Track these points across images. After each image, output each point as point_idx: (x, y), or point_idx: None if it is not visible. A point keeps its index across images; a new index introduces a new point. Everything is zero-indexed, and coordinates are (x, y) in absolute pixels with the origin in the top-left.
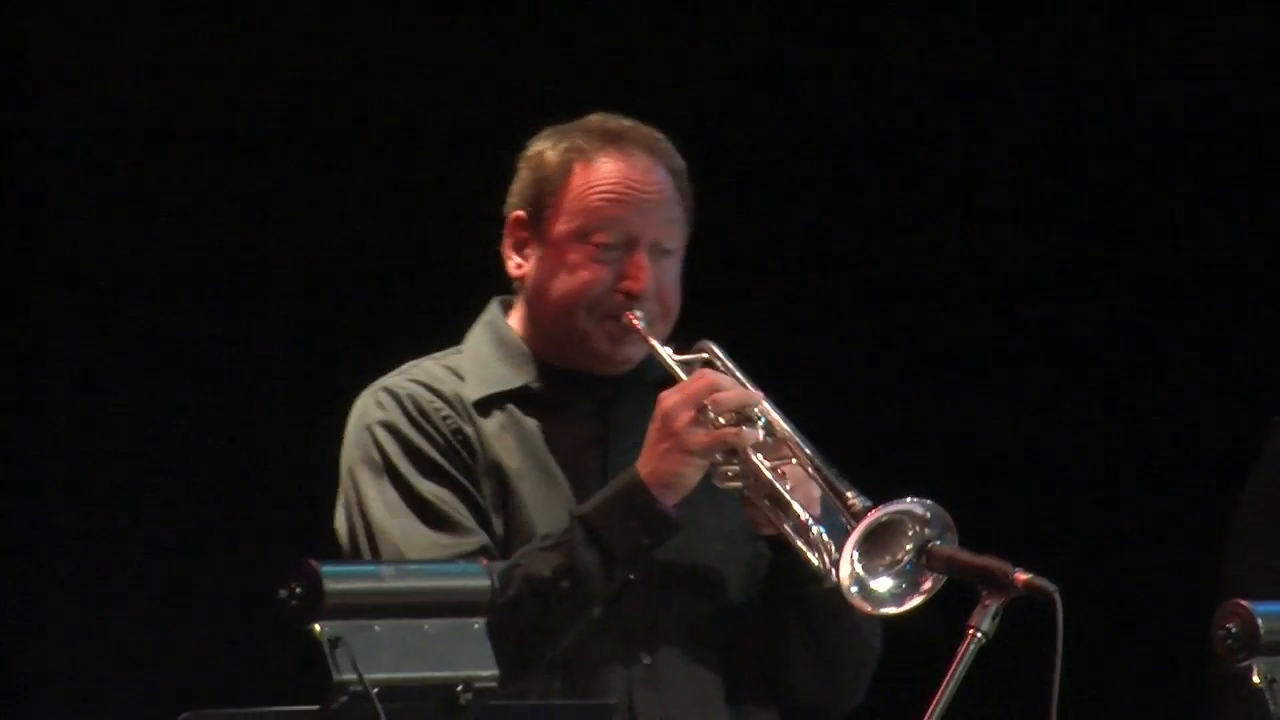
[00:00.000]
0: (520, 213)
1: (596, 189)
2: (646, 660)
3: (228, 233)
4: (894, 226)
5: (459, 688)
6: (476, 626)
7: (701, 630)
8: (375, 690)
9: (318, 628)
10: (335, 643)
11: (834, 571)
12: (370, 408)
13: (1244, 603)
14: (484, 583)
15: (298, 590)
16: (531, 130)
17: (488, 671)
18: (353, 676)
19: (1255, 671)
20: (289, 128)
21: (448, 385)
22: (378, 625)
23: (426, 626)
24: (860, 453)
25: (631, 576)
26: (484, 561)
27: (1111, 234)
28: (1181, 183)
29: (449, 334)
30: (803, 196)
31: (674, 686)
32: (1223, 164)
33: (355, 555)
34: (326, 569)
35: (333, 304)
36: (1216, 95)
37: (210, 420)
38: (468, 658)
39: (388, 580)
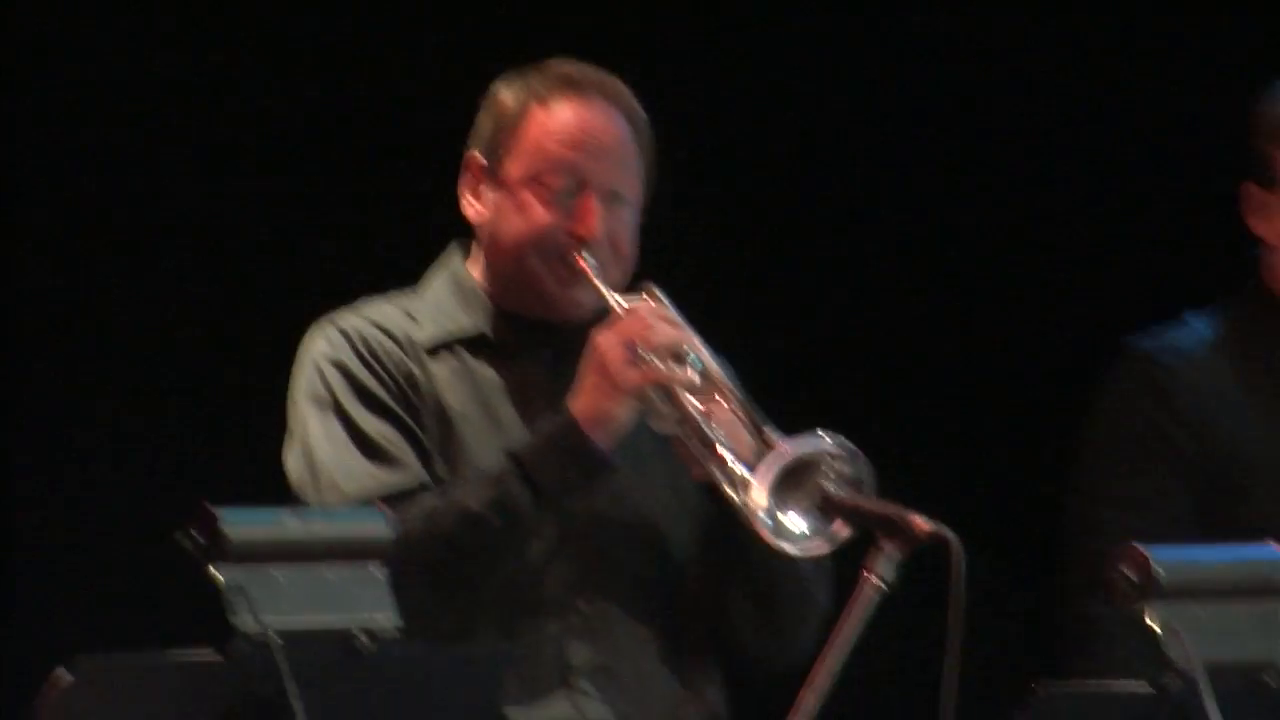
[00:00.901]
0: (477, 154)
1: (552, 133)
2: (583, 608)
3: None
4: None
5: (359, 633)
6: (377, 572)
7: (642, 580)
8: (275, 636)
9: (216, 573)
10: (234, 588)
11: (750, 510)
12: (320, 344)
13: (1140, 547)
14: (384, 528)
15: (195, 534)
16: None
17: (388, 617)
18: (252, 622)
19: (1150, 616)
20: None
21: (399, 326)
22: (277, 570)
23: (327, 572)
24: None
25: (575, 524)
26: (383, 507)
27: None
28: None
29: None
30: None
31: (610, 636)
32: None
33: (300, 489)
34: (225, 514)
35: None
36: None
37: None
38: (368, 603)
39: (287, 525)
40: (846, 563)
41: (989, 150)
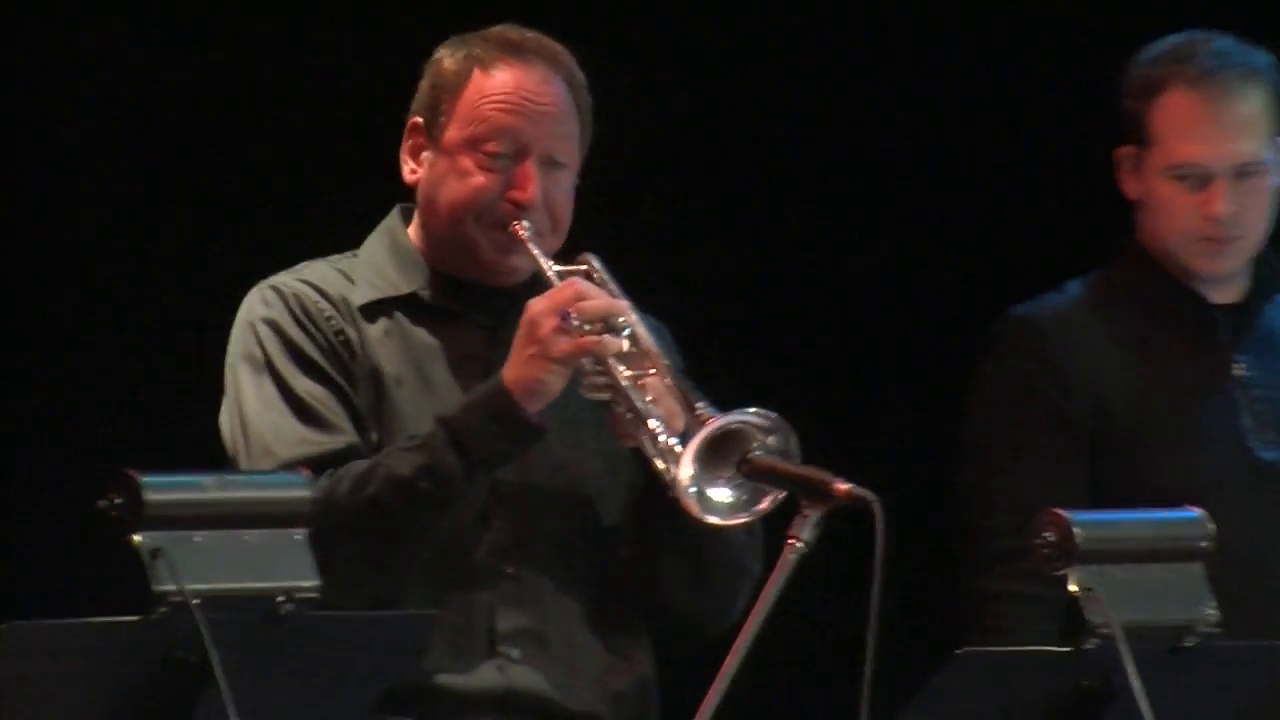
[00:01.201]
0: (418, 119)
1: (491, 98)
2: (512, 573)
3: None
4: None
5: (280, 598)
6: (298, 537)
7: (573, 547)
8: (196, 601)
9: (138, 538)
10: (155, 553)
11: (676, 481)
12: (256, 304)
13: (1061, 512)
14: (305, 493)
15: (117, 500)
16: None
17: (309, 582)
18: (173, 587)
19: (1072, 580)
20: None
21: (335, 287)
22: (198, 536)
23: (247, 537)
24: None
25: (506, 490)
26: (305, 471)
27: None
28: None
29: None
30: None
31: (538, 602)
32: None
33: (233, 450)
34: (146, 479)
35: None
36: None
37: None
38: (289, 568)
39: (208, 491)
40: (776, 534)
41: (889, 125)
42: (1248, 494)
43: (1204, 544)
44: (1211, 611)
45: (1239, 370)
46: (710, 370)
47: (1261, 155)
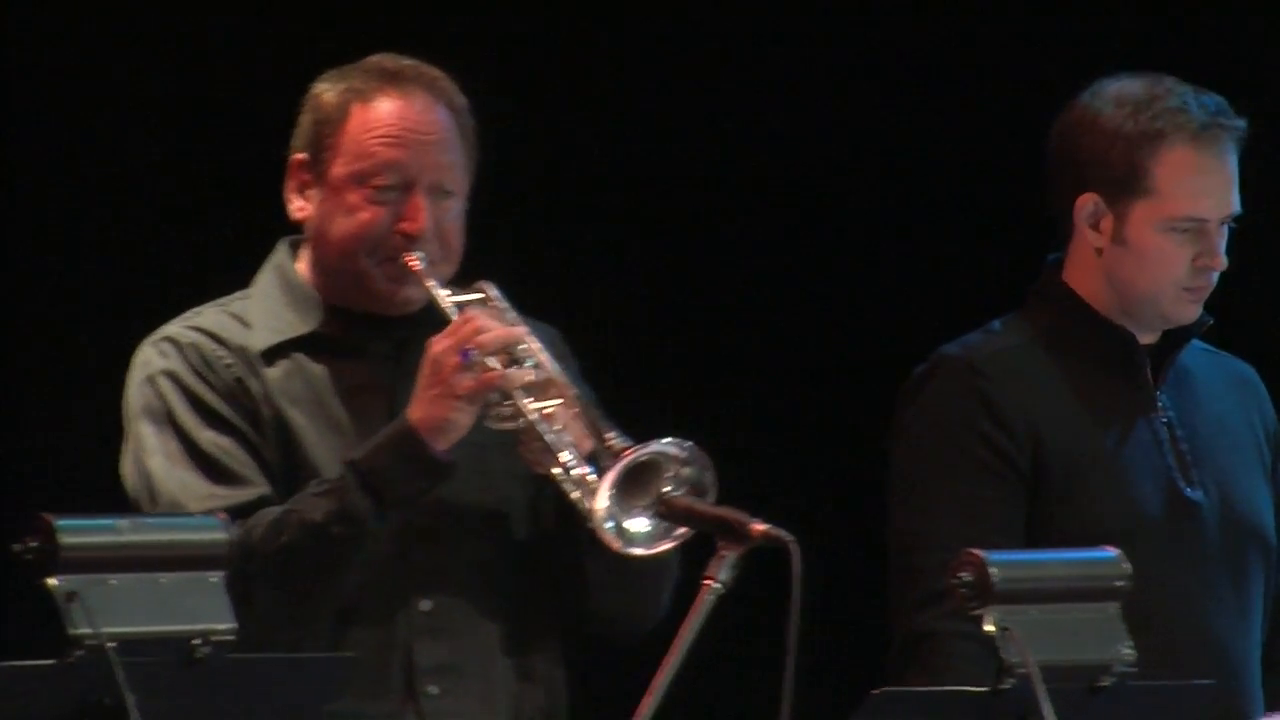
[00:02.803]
0: (302, 155)
1: (374, 131)
2: (426, 607)
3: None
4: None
5: (196, 641)
6: (214, 579)
7: (487, 575)
8: (111, 644)
9: (53, 581)
10: (70, 596)
11: (591, 513)
12: (152, 356)
13: (977, 552)
14: (221, 536)
15: (32, 544)
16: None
17: (225, 624)
18: (88, 630)
19: (988, 620)
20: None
21: (231, 333)
22: (114, 579)
23: (163, 580)
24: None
25: (418, 522)
26: (221, 515)
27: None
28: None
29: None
30: None
31: (455, 633)
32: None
33: (139, 504)
34: (61, 523)
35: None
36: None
37: None
38: (205, 610)
39: (124, 534)
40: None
41: (811, 155)
42: (1176, 533)
43: (1120, 584)
44: (1128, 651)
45: (1160, 410)
46: (631, 401)
47: (1239, 207)
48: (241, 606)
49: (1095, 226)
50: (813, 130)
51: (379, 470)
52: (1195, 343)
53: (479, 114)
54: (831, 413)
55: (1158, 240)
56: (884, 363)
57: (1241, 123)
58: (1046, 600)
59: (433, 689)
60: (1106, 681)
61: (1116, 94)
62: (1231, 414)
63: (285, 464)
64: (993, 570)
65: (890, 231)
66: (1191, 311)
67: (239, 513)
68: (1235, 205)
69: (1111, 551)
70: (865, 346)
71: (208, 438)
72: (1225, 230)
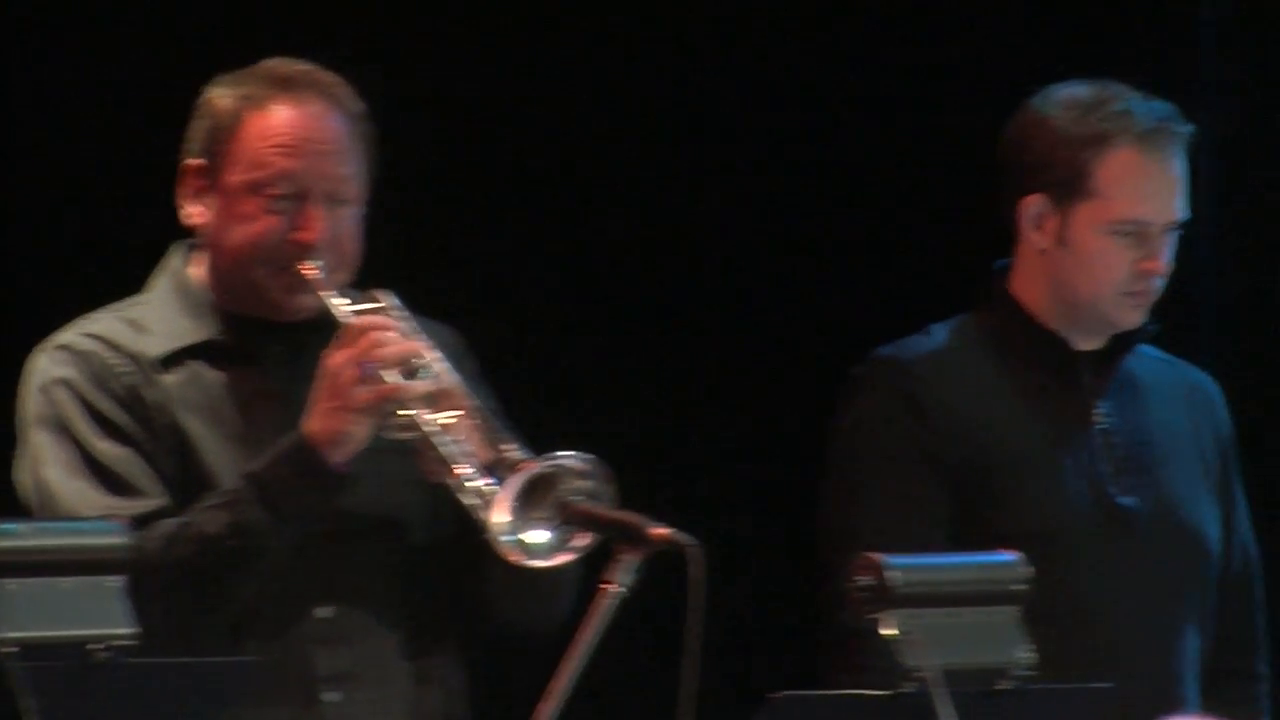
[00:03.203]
0: (196, 161)
1: (268, 139)
2: (325, 614)
3: None
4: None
5: (95, 645)
6: (113, 584)
7: (386, 581)
8: (11, 649)
9: None
10: None
11: (491, 526)
12: (48, 365)
13: (876, 555)
14: (121, 540)
15: None
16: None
17: (125, 629)
18: None
19: (886, 624)
20: None
21: (128, 340)
22: (13, 583)
23: (63, 584)
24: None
25: (317, 530)
26: (122, 519)
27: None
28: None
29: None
30: None
31: (354, 640)
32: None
33: (36, 513)
34: None
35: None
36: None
37: None
38: (104, 615)
39: (23, 538)
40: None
41: (742, 156)
42: (1105, 539)
43: (1019, 587)
44: (1026, 654)
45: (1099, 417)
46: (535, 401)
47: (1186, 214)
48: (139, 618)
49: (1039, 228)
50: (718, 123)
51: (276, 483)
52: (1150, 351)
53: (375, 117)
54: (734, 418)
55: (1100, 243)
56: (790, 368)
57: (1189, 127)
58: (946, 604)
59: (332, 696)
60: (1005, 685)
61: (1065, 98)
62: (1178, 423)
63: (182, 472)
64: (891, 574)
65: (811, 230)
66: (1134, 317)
67: (136, 524)
68: (1181, 211)
69: (1011, 555)
70: (772, 351)
71: (104, 448)
72: (1171, 237)
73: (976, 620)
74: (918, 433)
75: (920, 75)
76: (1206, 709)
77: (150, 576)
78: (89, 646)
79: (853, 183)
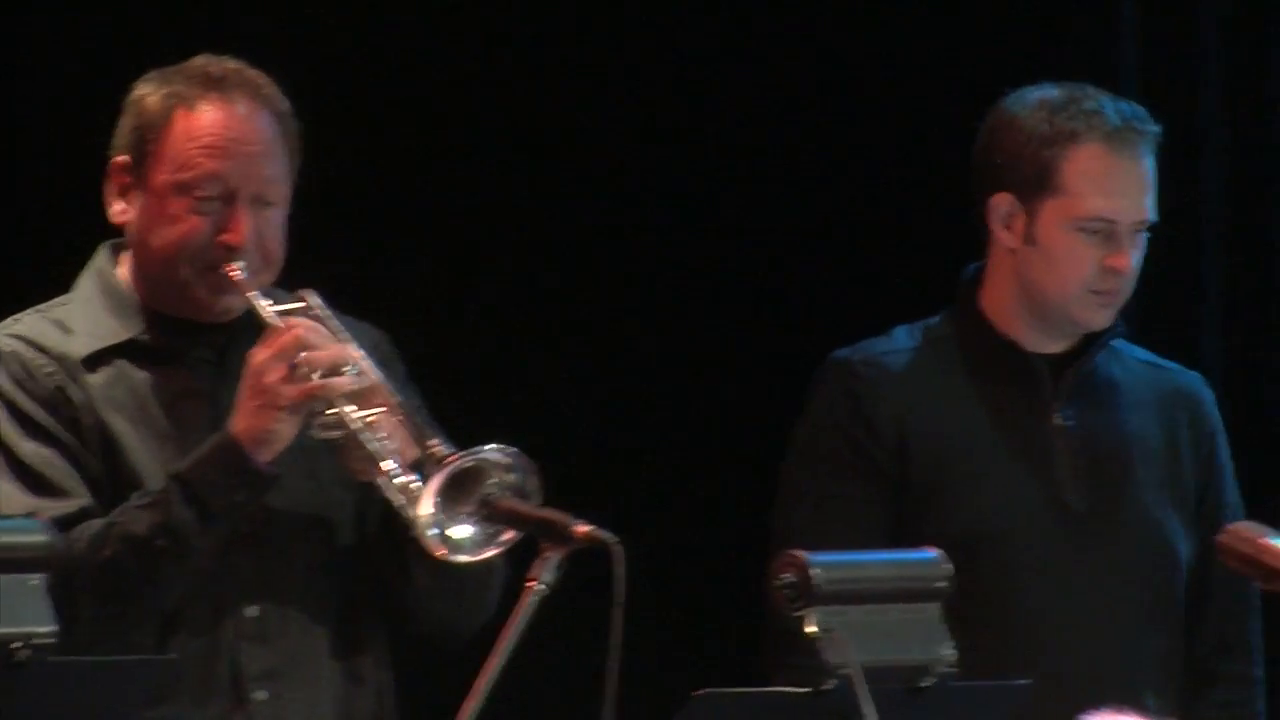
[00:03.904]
0: (123, 158)
1: (196, 140)
2: (253, 613)
3: None
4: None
5: (16, 644)
6: (34, 583)
7: (314, 579)
8: None
9: None
10: None
11: (415, 521)
12: None
13: (799, 553)
14: (42, 539)
15: None
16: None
17: (46, 628)
18: None
19: (810, 621)
20: None
21: (52, 341)
22: None
23: None
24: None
25: (245, 529)
26: (42, 517)
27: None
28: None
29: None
30: None
31: (281, 639)
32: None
33: None
34: None
35: None
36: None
37: None
38: (25, 613)
39: None
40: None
41: (696, 158)
42: (1058, 542)
43: (941, 584)
44: (948, 651)
45: (1059, 420)
46: (461, 402)
47: (1155, 216)
48: (64, 618)
49: (1008, 227)
50: (669, 117)
51: (202, 482)
52: (1137, 354)
53: (301, 115)
54: (660, 416)
55: (1066, 240)
56: (714, 366)
57: (1157, 128)
58: (868, 601)
59: (260, 694)
60: (927, 682)
61: (1035, 98)
62: (1150, 427)
63: (108, 472)
64: (814, 571)
65: (779, 227)
66: (1101, 317)
67: (62, 525)
68: (1149, 212)
69: (933, 552)
70: (693, 348)
71: (29, 449)
72: (1140, 238)
73: (899, 618)
74: (860, 437)
75: (892, 77)
76: (1201, 714)
77: (77, 577)
78: (10, 645)
79: (816, 180)
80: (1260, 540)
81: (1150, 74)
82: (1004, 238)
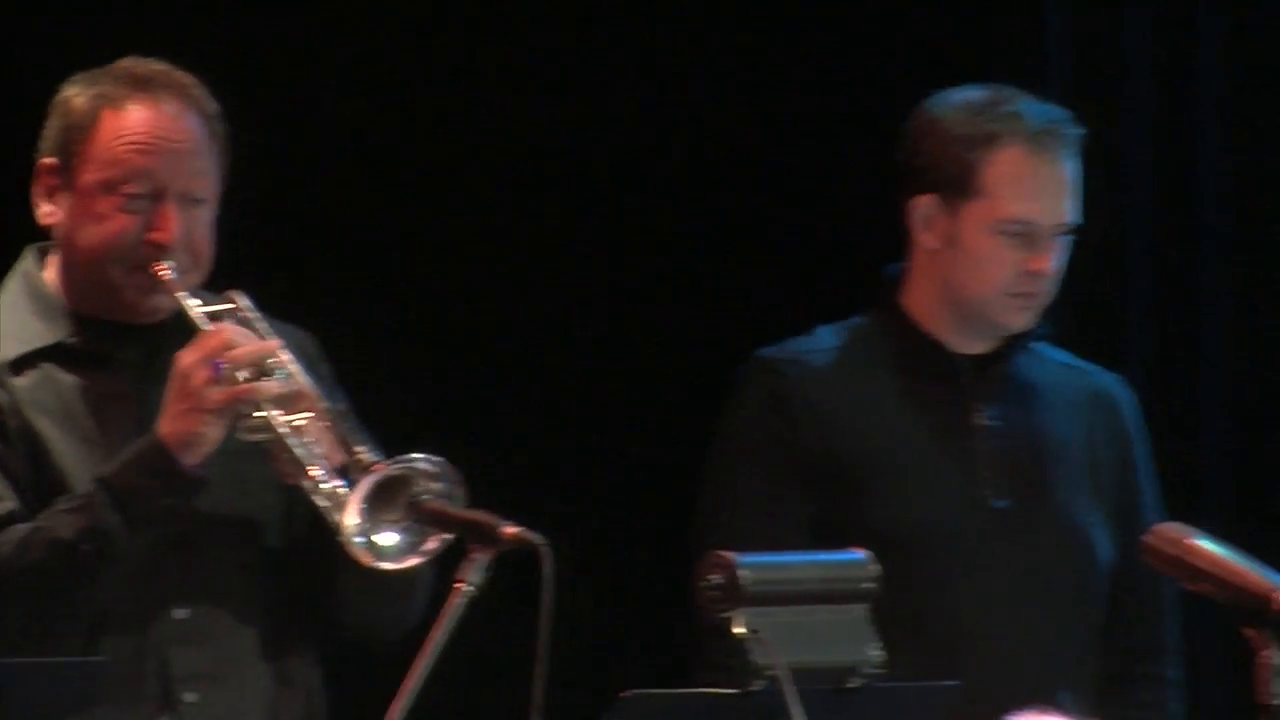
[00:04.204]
0: (51, 160)
1: (124, 138)
2: (181, 615)
3: None
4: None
5: None
6: None
7: (243, 582)
8: None
9: None
10: None
11: (342, 527)
12: None
13: (726, 554)
14: None
15: None
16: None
17: None
18: None
19: (738, 622)
20: None
21: None
22: None
23: None
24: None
25: (172, 531)
26: None
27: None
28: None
29: None
30: None
31: (210, 641)
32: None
33: None
34: None
35: None
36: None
37: None
38: None
39: None
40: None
41: (616, 161)
42: (980, 541)
43: (869, 585)
44: (875, 652)
45: (980, 420)
46: (388, 406)
47: (1076, 219)
48: None
49: (930, 229)
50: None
51: (128, 486)
52: (1056, 355)
53: (228, 118)
54: (584, 418)
55: (987, 242)
56: (638, 368)
57: (1079, 130)
58: (796, 602)
59: (190, 696)
60: (855, 683)
61: (957, 100)
62: (1070, 428)
63: (34, 476)
64: (742, 572)
65: (662, 233)
66: (1022, 319)
67: None
68: (1069, 215)
69: (860, 553)
70: (621, 352)
71: None
72: (1061, 241)
73: (826, 619)
74: (783, 434)
75: (818, 78)
76: (1118, 714)
77: (3, 581)
78: None
79: (739, 183)
80: (1186, 541)
81: (1079, 76)
82: (926, 239)
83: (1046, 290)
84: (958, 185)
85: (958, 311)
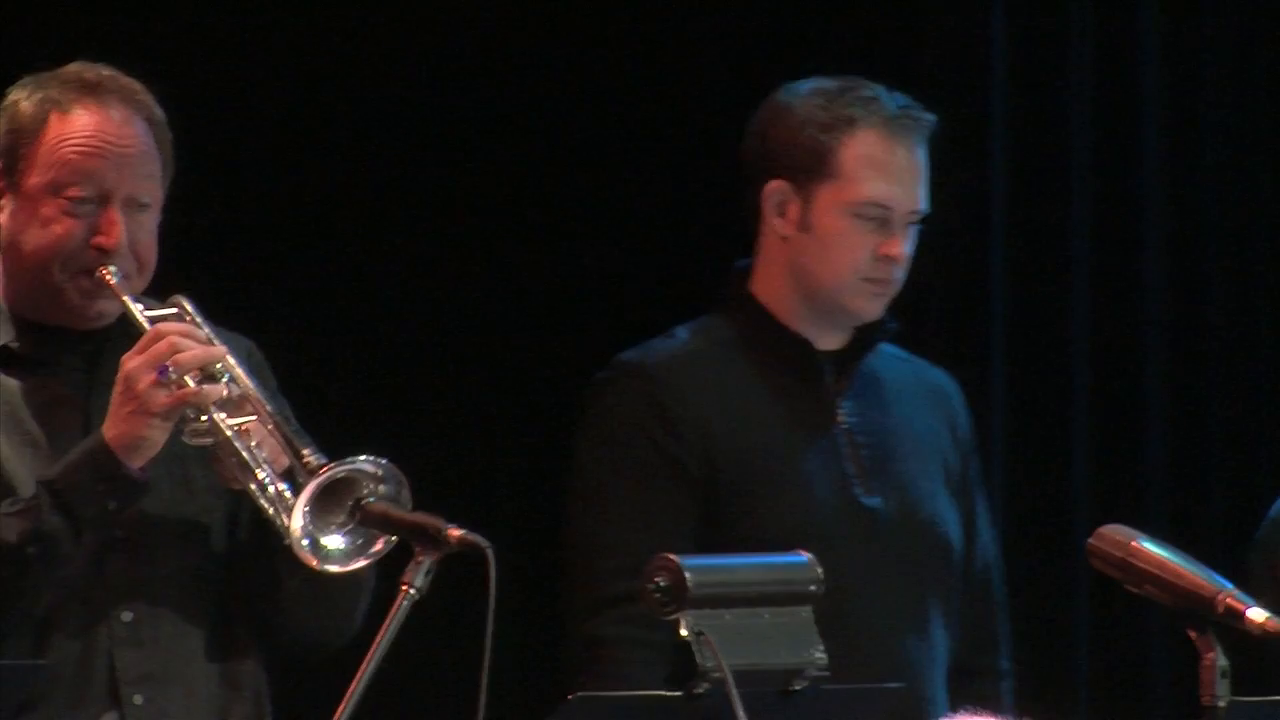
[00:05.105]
0: None
1: (70, 141)
2: (128, 617)
3: None
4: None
5: None
6: None
7: (189, 585)
8: None
9: None
10: None
11: (288, 530)
12: None
13: (672, 556)
14: None
15: None
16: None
17: None
18: None
19: (683, 624)
20: None
21: None
22: None
23: None
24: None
25: (118, 534)
26: None
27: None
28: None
29: None
30: None
31: (157, 643)
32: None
33: None
34: None
35: None
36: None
37: None
38: None
39: None
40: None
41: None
42: (853, 539)
43: (812, 588)
44: (820, 655)
45: (842, 417)
46: (328, 412)
47: (927, 207)
48: None
49: (782, 214)
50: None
51: (73, 489)
52: (890, 350)
53: (174, 125)
54: (530, 419)
55: (841, 225)
56: (574, 369)
57: (931, 117)
58: (740, 605)
59: (137, 698)
60: (799, 685)
61: (810, 87)
62: (918, 421)
63: None
64: (688, 574)
65: (573, 235)
66: (873, 307)
67: None
68: (922, 203)
69: (804, 556)
70: (557, 353)
71: None
72: (912, 230)
73: (770, 621)
74: (662, 439)
75: (657, 74)
76: (954, 706)
77: None
78: None
79: (594, 187)
80: (1132, 544)
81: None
82: (778, 225)
83: (897, 277)
84: (813, 168)
85: (809, 300)
